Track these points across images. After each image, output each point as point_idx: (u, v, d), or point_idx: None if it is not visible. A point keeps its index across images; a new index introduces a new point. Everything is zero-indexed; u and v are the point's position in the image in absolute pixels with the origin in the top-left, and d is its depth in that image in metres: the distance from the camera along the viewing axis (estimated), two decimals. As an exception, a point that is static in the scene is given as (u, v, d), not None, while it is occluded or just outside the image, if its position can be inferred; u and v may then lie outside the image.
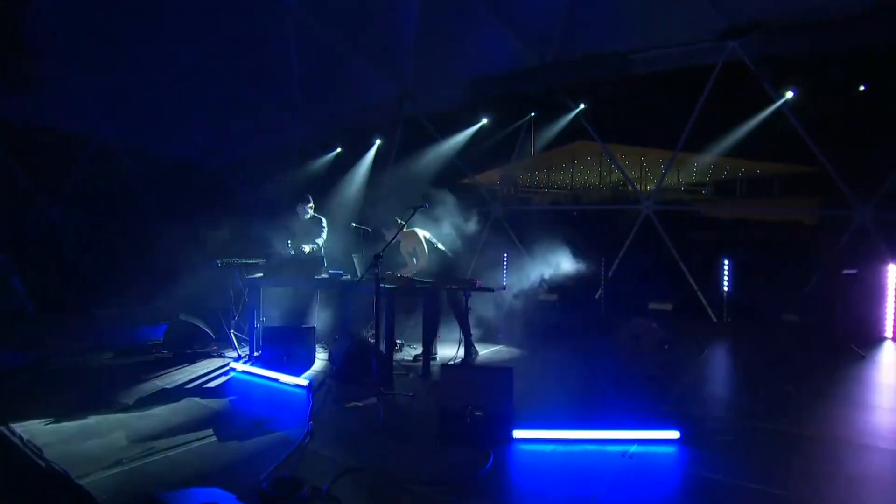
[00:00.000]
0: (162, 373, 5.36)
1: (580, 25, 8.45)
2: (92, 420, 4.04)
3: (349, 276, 5.69)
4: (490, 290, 5.03)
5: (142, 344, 6.47)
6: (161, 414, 4.23)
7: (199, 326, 6.16)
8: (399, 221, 5.40)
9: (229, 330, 6.10)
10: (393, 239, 4.98)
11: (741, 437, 4.06)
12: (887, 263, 7.32)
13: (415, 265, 5.87)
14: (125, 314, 7.66)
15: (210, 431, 3.86)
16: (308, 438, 3.72)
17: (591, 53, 8.78)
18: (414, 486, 3.12)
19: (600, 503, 3.02)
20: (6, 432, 3.12)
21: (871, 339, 7.01)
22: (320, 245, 6.59)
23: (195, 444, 3.64)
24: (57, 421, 3.99)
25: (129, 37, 8.65)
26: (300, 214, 6.70)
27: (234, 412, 4.34)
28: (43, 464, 3.11)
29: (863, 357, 6.26)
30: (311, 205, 6.73)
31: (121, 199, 10.61)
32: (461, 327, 5.43)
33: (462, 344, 5.22)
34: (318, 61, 9.81)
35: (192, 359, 5.81)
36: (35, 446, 3.10)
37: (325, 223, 6.79)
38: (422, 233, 5.77)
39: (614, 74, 8.71)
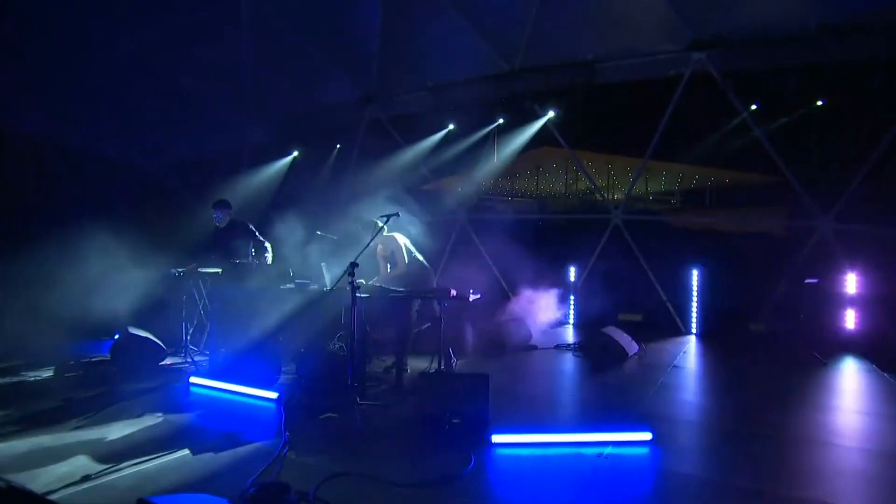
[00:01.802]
0: (114, 388, 5.49)
1: (548, 32, 9.06)
2: (45, 439, 4.18)
3: (316, 286, 5.98)
4: (465, 298, 5.43)
5: (84, 360, 6.52)
6: (121, 430, 4.39)
7: (150, 339, 6.30)
8: (377, 224, 5.71)
9: (186, 342, 6.26)
10: (370, 242, 5.30)
11: (710, 437, 4.62)
12: (846, 273, 8.18)
13: (388, 272, 6.18)
14: (59, 328, 7.63)
15: (180, 444, 4.08)
16: (286, 448, 4.02)
17: (558, 61, 9.42)
18: (399, 489, 3.48)
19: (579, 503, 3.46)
20: None
21: (832, 347, 7.80)
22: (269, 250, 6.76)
23: (166, 458, 3.86)
24: (4, 440, 4.12)
25: (56, 21, 8.59)
26: (218, 221, 6.79)
27: (202, 426, 4.56)
28: (3, 484, 3.31)
29: (824, 364, 7.01)
30: (230, 210, 6.87)
31: (46, 201, 10.45)
32: (438, 337, 5.78)
33: (440, 354, 5.57)
34: (273, 57, 10.03)
35: (146, 373, 5.95)
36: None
37: (251, 227, 6.86)
38: (402, 238, 6.11)
39: (581, 82, 9.37)
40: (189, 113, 10.59)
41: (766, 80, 8.55)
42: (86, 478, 3.54)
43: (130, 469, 3.68)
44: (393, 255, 6.04)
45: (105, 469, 3.64)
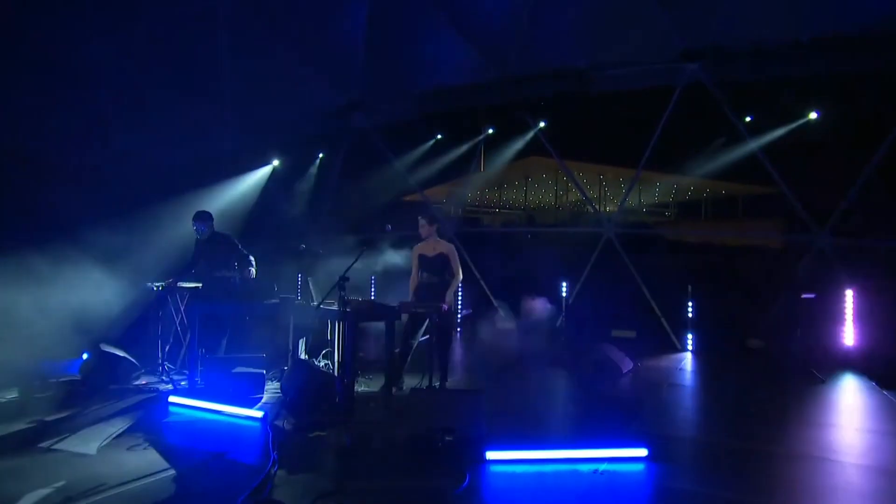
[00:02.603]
0: (87, 409, 5.52)
1: (539, 40, 9.33)
2: (23, 461, 4.23)
3: (302, 301, 6.12)
4: (457, 314, 5.60)
5: (52, 379, 6.52)
6: (100, 451, 4.45)
7: (123, 357, 6.36)
8: (430, 224, 5.98)
9: (162, 360, 6.33)
10: (358, 258, 5.43)
11: (706, 453, 4.82)
12: (845, 288, 8.47)
13: (444, 277, 6.27)
14: (22, 347, 7.62)
15: (164, 465, 4.17)
16: (276, 467, 4.12)
17: (549, 69, 9.71)
18: (394, 506, 3.62)
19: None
20: None
21: (830, 363, 8.06)
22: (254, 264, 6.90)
23: (151, 479, 3.94)
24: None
25: (20, 25, 8.63)
26: (199, 233, 6.90)
27: (185, 445, 4.65)
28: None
29: (822, 381, 7.26)
30: (212, 221, 7.01)
31: (9, 212, 10.40)
32: (437, 352, 5.92)
33: (434, 370, 5.70)
34: (251, 61, 10.18)
35: (119, 393, 5.99)
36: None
37: (235, 240, 6.99)
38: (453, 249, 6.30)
39: (573, 91, 9.65)
40: (159, 119, 10.63)
41: (760, 92, 8.91)
42: (68, 500, 3.61)
43: (115, 491, 3.76)
44: (448, 261, 6.12)
45: (88, 490, 3.71)
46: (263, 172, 11.28)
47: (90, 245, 8.53)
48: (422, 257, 6.22)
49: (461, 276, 6.22)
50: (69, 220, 10.05)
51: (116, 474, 3.98)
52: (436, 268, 6.11)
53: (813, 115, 9.27)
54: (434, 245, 6.18)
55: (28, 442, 4.60)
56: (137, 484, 3.86)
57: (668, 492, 3.97)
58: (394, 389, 5.93)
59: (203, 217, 6.93)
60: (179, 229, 7.94)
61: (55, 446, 4.52)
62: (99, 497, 3.66)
